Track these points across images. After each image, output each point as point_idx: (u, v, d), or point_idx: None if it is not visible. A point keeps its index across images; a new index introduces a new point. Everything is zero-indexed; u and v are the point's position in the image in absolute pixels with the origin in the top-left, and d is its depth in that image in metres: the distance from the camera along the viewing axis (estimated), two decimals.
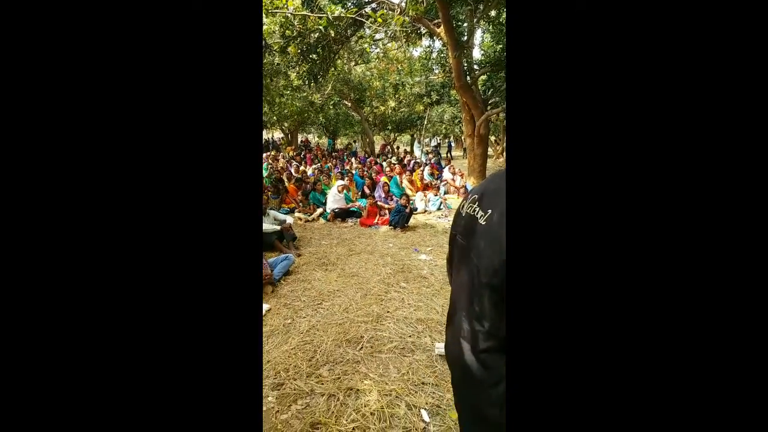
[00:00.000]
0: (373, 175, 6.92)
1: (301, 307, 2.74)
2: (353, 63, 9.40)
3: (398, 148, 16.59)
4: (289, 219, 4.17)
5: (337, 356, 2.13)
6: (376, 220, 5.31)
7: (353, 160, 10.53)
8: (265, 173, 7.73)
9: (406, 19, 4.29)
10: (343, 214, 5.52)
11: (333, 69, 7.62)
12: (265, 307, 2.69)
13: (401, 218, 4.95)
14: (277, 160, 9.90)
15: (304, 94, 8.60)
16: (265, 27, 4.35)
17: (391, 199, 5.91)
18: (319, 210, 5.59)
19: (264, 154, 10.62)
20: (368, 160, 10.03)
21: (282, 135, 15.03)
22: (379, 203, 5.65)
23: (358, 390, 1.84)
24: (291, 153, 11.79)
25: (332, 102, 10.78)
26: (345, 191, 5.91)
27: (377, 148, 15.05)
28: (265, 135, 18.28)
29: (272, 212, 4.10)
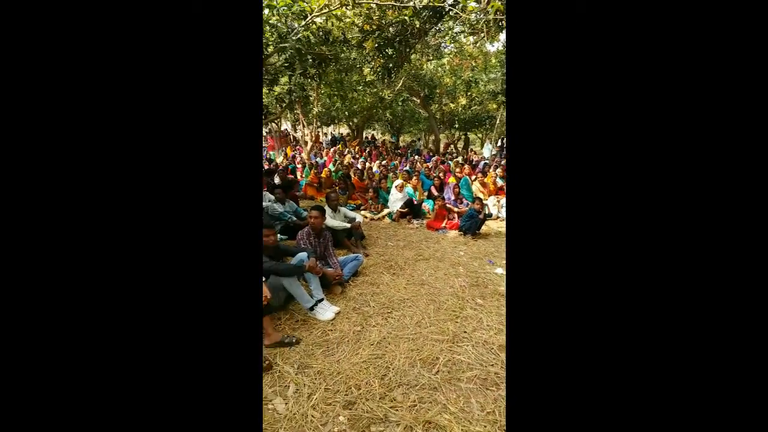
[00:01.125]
0: (441, 175, 6.61)
1: (370, 314, 2.59)
2: (427, 58, 9.14)
3: (464, 147, 15.97)
4: (359, 217, 4.07)
5: (411, 378, 1.93)
6: (444, 224, 5.03)
7: (417, 157, 10.30)
8: (332, 168, 7.83)
9: (501, 5, 3.93)
10: (411, 211, 5.32)
11: (407, 64, 7.44)
12: (335, 309, 2.59)
13: (473, 224, 4.61)
14: (343, 156, 10.02)
15: (375, 89, 8.56)
16: (347, 20, 4.28)
17: (461, 202, 5.57)
18: (386, 210, 5.45)
19: (331, 150, 10.83)
20: (434, 158, 9.72)
21: (348, 131, 15.29)
22: (448, 206, 5.35)
23: (437, 426, 1.62)
24: (356, 148, 11.91)
25: (401, 98, 10.64)
26: (407, 187, 5.70)
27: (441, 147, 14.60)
28: (331, 130, 18.80)
29: (343, 209, 4.03)
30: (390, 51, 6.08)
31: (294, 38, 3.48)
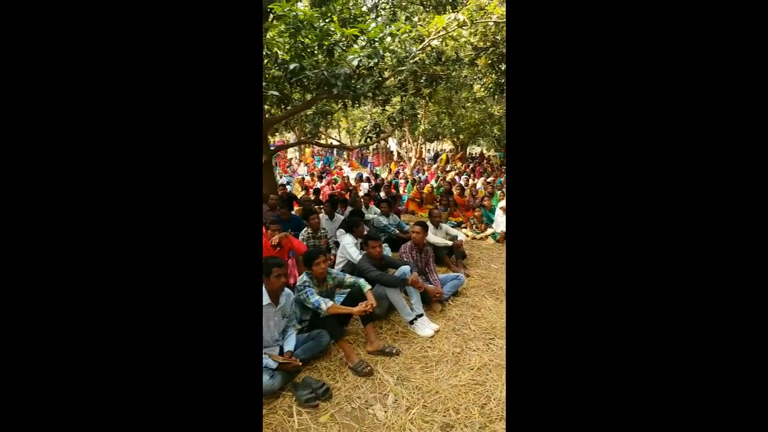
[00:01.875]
0: None
1: (471, 337, 2.51)
2: None
3: None
4: (461, 236, 4.01)
5: None
6: None
7: None
8: (434, 184, 7.91)
9: None
10: None
11: None
12: (434, 326, 2.58)
13: None
14: (446, 172, 10.02)
15: (484, 105, 8.40)
16: (462, 40, 4.34)
17: None
18: (490, 230, 5.24)
19: (434, 166, 10.96)
20: None
21: (451, 146, 15.29)
22: None
23: None
24: (459, 165, 11.80)
25: None
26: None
27: None
28: (434, 146, 19.04)
29: (445, 226, 4.03)
30: (503, 66, 5.91)
31: (411, 61, 3.68)
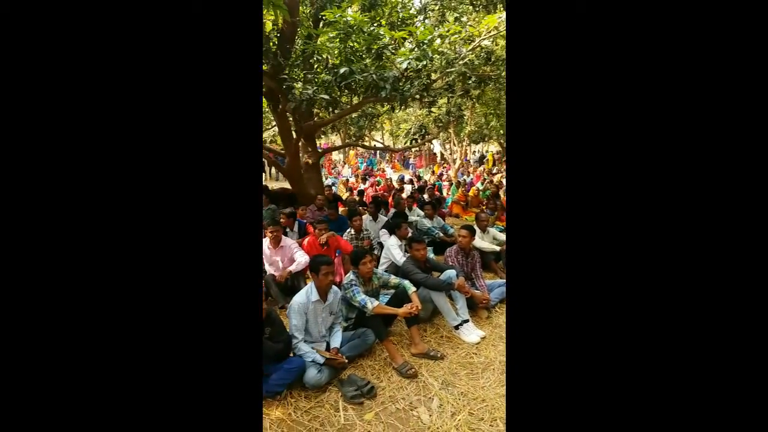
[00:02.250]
0: None
1: None
2: None
3: None
4: None
5: None
6: None
7: None
8: (480, 187, 7.71)
9: None
10: None
11: None
12: (480, 333, 2.51)
13: None
14: (493, 174, 9.74)
15: None
16: None
17: None
18: None
19: (480, 168, 10.69)
20: None
21: (498, 148, 14.85)
22: None
23: None
24: (506, 166, 11.41)
25: None
26: None
27: None
28: (479, 148, 18.59)
29: (492, 231, 3.91)
30: None
31: (461, 63, 3.63)
